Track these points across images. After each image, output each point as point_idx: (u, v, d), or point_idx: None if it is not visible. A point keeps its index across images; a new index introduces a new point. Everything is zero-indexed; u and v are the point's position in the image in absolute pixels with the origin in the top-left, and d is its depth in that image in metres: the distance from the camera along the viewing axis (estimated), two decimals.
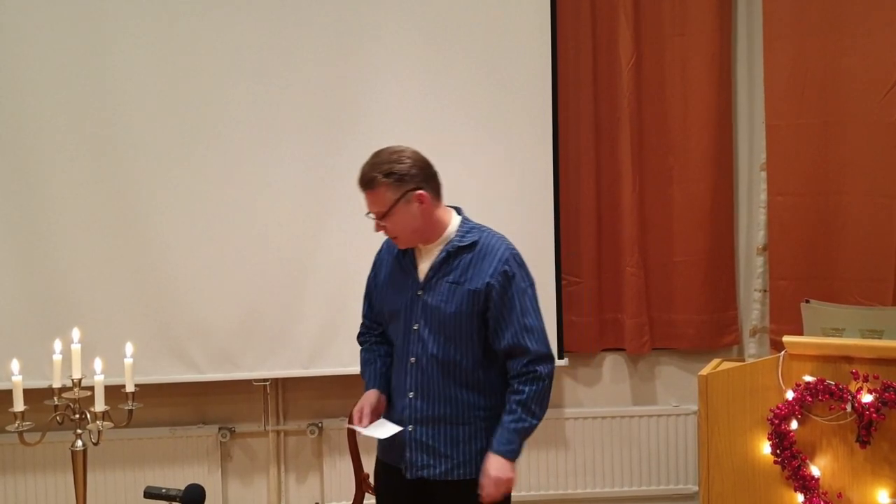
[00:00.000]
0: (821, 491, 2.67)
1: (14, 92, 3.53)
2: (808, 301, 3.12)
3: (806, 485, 2.68)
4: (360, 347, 2.65)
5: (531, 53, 3.68)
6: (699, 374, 2.88)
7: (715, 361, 3.04)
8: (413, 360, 2.43)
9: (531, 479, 3.96)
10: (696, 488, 3.92)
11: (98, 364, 2.35)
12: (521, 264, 2.43)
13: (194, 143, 3.60)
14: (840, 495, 2.66)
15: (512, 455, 2.39)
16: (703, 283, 3.91)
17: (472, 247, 2.41)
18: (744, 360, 3.53)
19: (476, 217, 3.65)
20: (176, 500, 2.28)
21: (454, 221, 2.46)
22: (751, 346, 3.92)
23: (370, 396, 2.51)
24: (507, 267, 2.38)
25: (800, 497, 2.70)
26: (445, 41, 3.66)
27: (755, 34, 3.87)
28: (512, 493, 3.89)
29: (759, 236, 3.88)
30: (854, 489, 2.65)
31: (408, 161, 2.35)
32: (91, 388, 2.32)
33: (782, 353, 2.73)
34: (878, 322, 2.91)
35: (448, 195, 3.73)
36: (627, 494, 4.01)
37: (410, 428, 2.44)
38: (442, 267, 2.41)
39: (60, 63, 3.53)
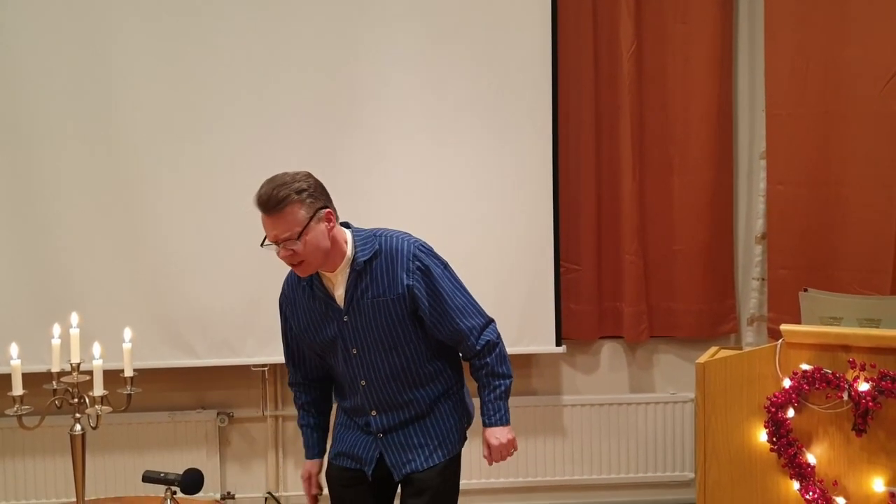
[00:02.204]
0: (817, 479, 2.68)
1: (14, 78, 3.52)
2: (806, 290, 3.12)
3: (802, 472, 2.69)
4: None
5: (532, 41, 3.67)
6: (697, 362, 2.88)
7: (713, 349, 3.05)
8: (363, 382, 2.43)
9: (529, 465, 3.97)
10: (692, 475, 3.93)
11: (97, 349, 2.35)
12: (428, 251, 2.40)
13: (194, 130, 3.60)
14: (836, 483, 2.67)
15: (504, 421, 2.45)
16: (702, 272, 3.91)
17: (375, 256, 2.36)
18: (741, 349, 3.53)
19: (477, 204, 3.71)
20: (174, 485, 2.29)
21: (349, 238, 2.38)
22: (749, 335, 3.93)
23: (314, 467, 2.59)
24: (417, 262, 2.35)
25: (796, 485, 2.71)
26: (445, 30, 3.64)
27: (757, 23, 3.86)
28: (510, 480, 3.95)
29: (759, 225, 3.89)
30: (850, 477, 2.66)
31: (311, 181, 2.31)
32: (90, 373, 2.33)
33: (780, 341, 2.73)
34: (876, 311, 2.91)
35: (447, 184, 3.77)
36: (624, 481, 4.02)
37: (381, 435, 2.46)
38: (357, 287, 2.36)
39: (59, 51, 3.53)
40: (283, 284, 2.53)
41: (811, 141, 3.70)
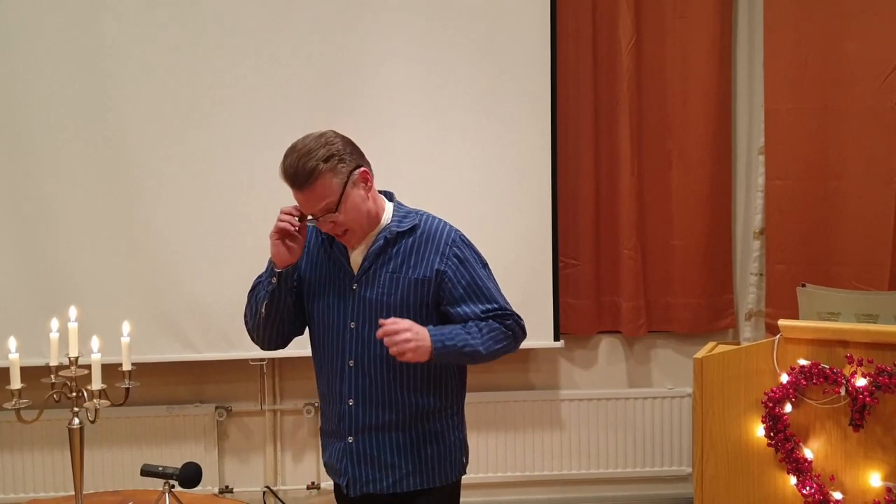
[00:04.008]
0: (814, 473, 2.69)
1: (12, 75, 3.52)
2: (804, 285, 3.12)
3: (799, 467, 2.69)
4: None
5: (531, 36, 3.67)
6: (694, 356, 2.88)
7: (710, 345, 3.05)
8: (352, 363, 2.15)
9: (527, 459, 3.98)
10: (689, 470, 3.94)
11: (95, 342, 2.35)
12: (470, 244, 2.20)
13: (191, 125, 3.59)
14: (833, 478, 2.67)
15: (438, 342, 2.04)
16: (700, 267, 3.92)
17: (411, 231, 2.15)
18: (739, 344, 3.53)
19: (475, 198, 3.71)
20: (173, 478, 2.29)
21: (388, 206, 2.19)
22: (746, 330, 3.93)
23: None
24: (456, 249, 2.14)
25: (793, 479, 2.71)
26: (445, 23, 3.64)
27: (756, 18, 3.85)
28: (507, 474, 3.95)
29: (757, 220, 3.89)
30: (847, 472, 2.66)
31: (338, 140, 2.08)
32: (88, 367, 2.32)
33: (778, 336, 2.74)
34: (874, 307, 2.92)
35: (445, 178, 3.77)
36: (622, 475, 4.03)
37: (350, 439, 2.17)
38: (379, 256, 2.13)
39: (57, 48, 3.52)
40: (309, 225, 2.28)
41: (810, 136, 3.70)
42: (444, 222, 2.20)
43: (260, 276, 2.29)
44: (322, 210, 2.06)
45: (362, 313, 2.14)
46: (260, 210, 3.61)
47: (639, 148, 3.86)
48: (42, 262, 3.58)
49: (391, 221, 2.16)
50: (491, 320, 2.14)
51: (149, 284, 3.62)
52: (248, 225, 3.63)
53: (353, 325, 2.15)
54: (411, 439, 2.17)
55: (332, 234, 2.12)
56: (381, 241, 2.14)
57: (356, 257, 2.16)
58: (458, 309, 2.13)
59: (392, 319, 2.05)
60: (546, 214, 3.75)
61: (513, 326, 2.18)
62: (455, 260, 2.14)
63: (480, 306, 2.14)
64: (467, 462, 2.32)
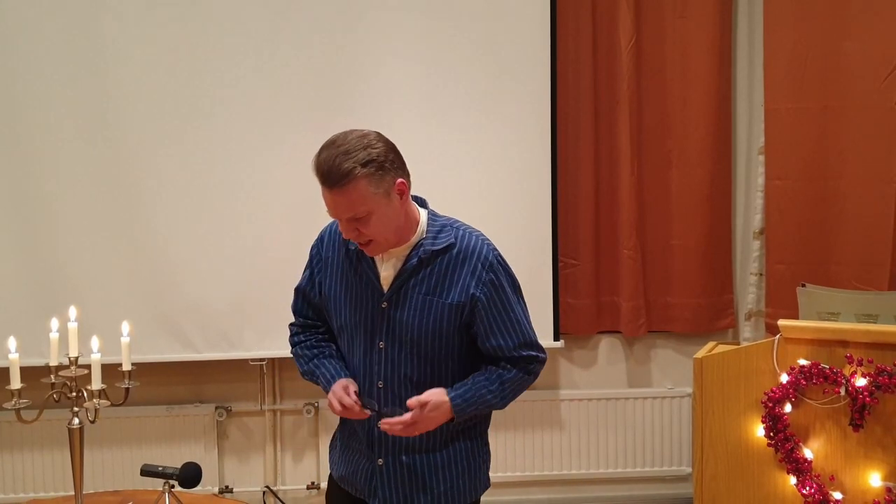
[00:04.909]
0: (813, 473, 2.69)
1: (13, 74, 3.51)
2: (804, 285, 3.13)
3: (799, 467, 2.70)
4: (296, 351, 2.27)
5: (531, 35, 3.67)
6: (694, 356, 2.89)
7: (710, 344, 3.05)
8: (381, 384, 2.05)
9: (526, 459, 3.98)
10: (689, 470, 3.94)
11: (95, 342, 2.35)
12: (506, 266, 2.08)
13: (191, 125, 3.59)
14: (832, 478, 2.67)
15: (460, 408, 2.01)
16: (700, 267, 3.92)
17: (447, 250, 2.01)
18: (739, 344, 3.54)
19: (475, 198, 3.71)
20: (172, 478, 2.29)
21: (422, 218, 2.04)
22: (746, 330, 3.93)
23: (343, 382, 2.07)
24: (492, 275, 2.02)
25: (792, 479, 2.72)
26: (445, 23, 3.64)
27: (756, 17, 3.85)
28: (507, 474, 3.95)
29: (757, 220, 3.89)
30: (846, 472, 2.66)
31: (381, 145, 1.91)
32: (88, 367, 2.33)
33: (777, 336, 2.74)
34: (874, 307, 2.92)
35: (446, 178, 3.77)
36: (622, 475, 4.03)
37: (380, 462, 2.10)
38: (413, 276, 2.01)
39: (56, 47, 3.51)
40: (323, 233, 2.16)
41: (810, 136, 3.70)
42: (480, 239, 2.06)
43: (301, 340, 2.25)
44: (348, 218, 1.91)
45: (392, 334, 2.03)
46: (260, 210, 3.63)
47: (639, 148, 3.86)
48: (42, 262, 3.58)
49: (426, 236, 2.02)
50: (517, 370, 2.07)
51: (149, 284, 3.62)
52: (248, 225, 3.63)
53: (382, 344, 2.04)
54: (443, 459, 2.11)
55: (355, 241, 1.98)
56: (415, 261, 2.00)
57: (386, 272, 2.03)
58: (490, 342, 2.05)
59: (409, 416, 1.96)
60: (546, 214, 3.74)
61: (536, 370, 2.11)
62: (490, 287, 2.01)
63: (511, 341, 2.05)
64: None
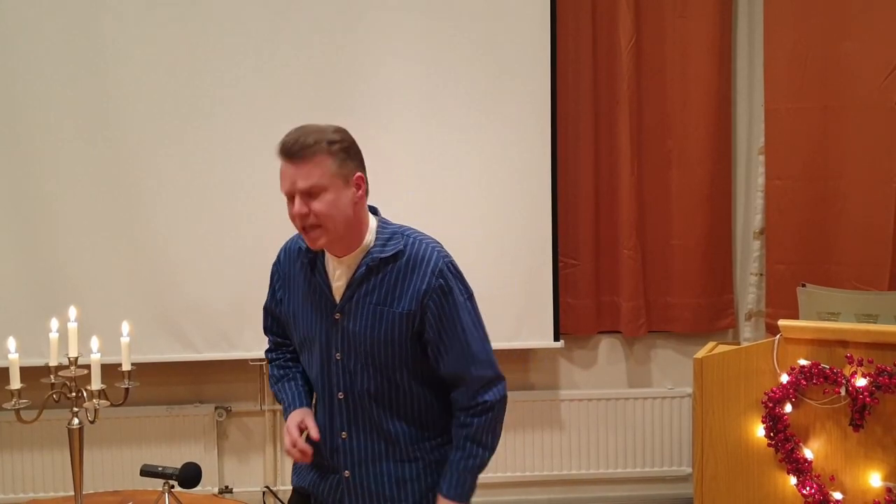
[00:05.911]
0: (814, 473, 2.69)
1: (13, 74, 3.52)
2: (804, 285, 3.13)
3: (799, 467, 2.70)
4: (269, 368, 2.29)
5: (531, 35, 3.67)
6: (694, 357, 2.89)
7: (710, 345, 3.05)
8: (341, 395, 2.04)
9: (526, 459, 3.98)
10: (689, 470, 3.94)
11: (94, 342, 2.35)
12: (457, 274, 2.02)
13: (191, 125, 3.59)
14: (833, 478, 2.67)
15: (464, 498, 2.04)
16: (700, 267, 3.92)
17: (395, 257, 1.99)
18: (739, 344, 3.54)
19: (475, 198, 3.71)
20: (172, 479, 2.29)
21: (372, 224, 2.03)
22: (746, 330, 3.93)
23: (306, 413, 2.10)
24: (441, 281, 1.97)
25: (793, 479, 2.72)
26: (445, 23, 3.64)
27: (756, 17, 3.85)
28: (507, 474, 3.95)
29: (757, 220, 3.89)
30: (847, 472, 2.66)
31: (348, 136, 1.96)
32: (88, 367, 2.32)
33: (778, 336, 2.74)
34: (874, 307, 2.92)
35: (445, 177, 3.77)
36: (622, 476, 4.03)
37: (347, 473, 2.08)
38: (362, 285, 1.99)
39: (56, 46, 3.52)
40: (280, 252, 2.18)
41: (810, 136, 3.70)
42: (431, 246, 2.03)
43: (273, 358, 2.27)
44: (303, 189, 1.90)
45: (346, 345, 2.02)
46: (260, 210, 3.63)
47: (639, 148, 3.86)
48: (42, 262, 3.58)
49: (374, 244, 2.00)
50: (480, 417, 2.02)
51: (149, 284, 3.62)
52: (248, 225, 3.63)
53: (338, 356, 2.03)
54: (410, 472, 2.08)
55: (301, 223, 1.95)
56: (364, 269, 1.99)
57: (338, 282, 2.02)
58: (441, 365, 2.02)
59: None
60: (546, 214, 3.74)
61: (498, 395, 2.05)
62: (439, 294, 1.98)
63: (460, 365, 2.00)
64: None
